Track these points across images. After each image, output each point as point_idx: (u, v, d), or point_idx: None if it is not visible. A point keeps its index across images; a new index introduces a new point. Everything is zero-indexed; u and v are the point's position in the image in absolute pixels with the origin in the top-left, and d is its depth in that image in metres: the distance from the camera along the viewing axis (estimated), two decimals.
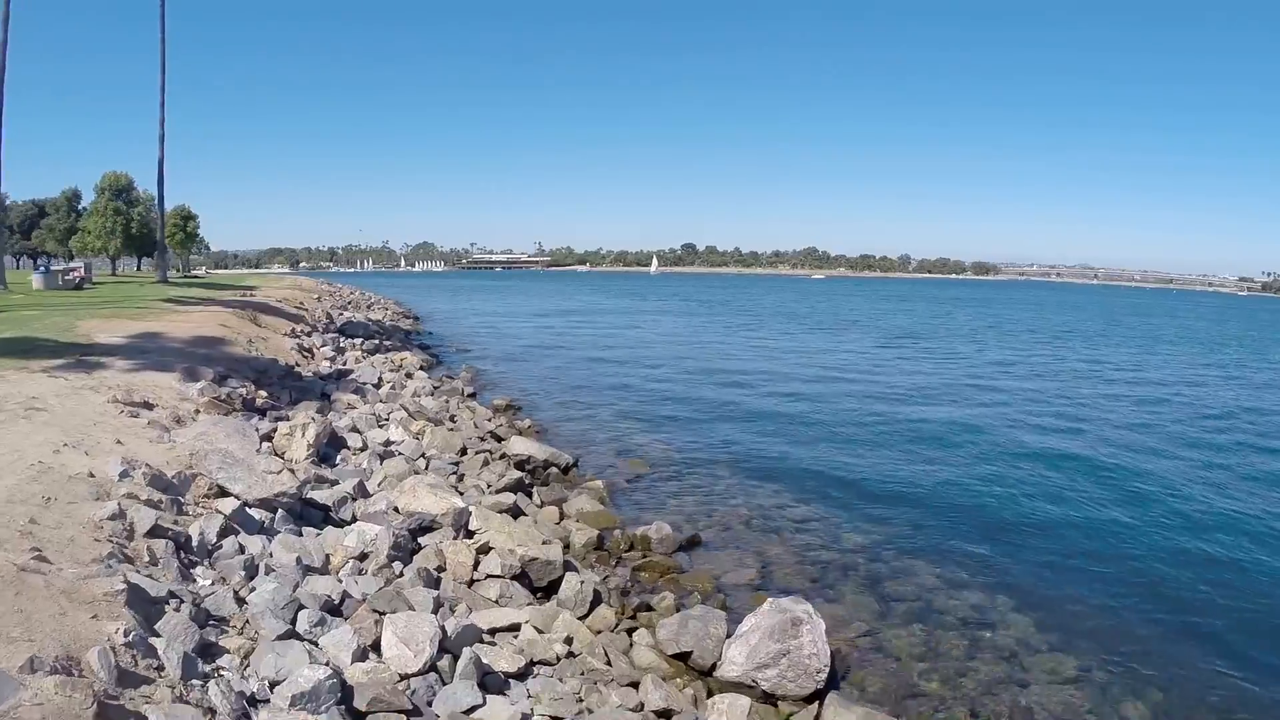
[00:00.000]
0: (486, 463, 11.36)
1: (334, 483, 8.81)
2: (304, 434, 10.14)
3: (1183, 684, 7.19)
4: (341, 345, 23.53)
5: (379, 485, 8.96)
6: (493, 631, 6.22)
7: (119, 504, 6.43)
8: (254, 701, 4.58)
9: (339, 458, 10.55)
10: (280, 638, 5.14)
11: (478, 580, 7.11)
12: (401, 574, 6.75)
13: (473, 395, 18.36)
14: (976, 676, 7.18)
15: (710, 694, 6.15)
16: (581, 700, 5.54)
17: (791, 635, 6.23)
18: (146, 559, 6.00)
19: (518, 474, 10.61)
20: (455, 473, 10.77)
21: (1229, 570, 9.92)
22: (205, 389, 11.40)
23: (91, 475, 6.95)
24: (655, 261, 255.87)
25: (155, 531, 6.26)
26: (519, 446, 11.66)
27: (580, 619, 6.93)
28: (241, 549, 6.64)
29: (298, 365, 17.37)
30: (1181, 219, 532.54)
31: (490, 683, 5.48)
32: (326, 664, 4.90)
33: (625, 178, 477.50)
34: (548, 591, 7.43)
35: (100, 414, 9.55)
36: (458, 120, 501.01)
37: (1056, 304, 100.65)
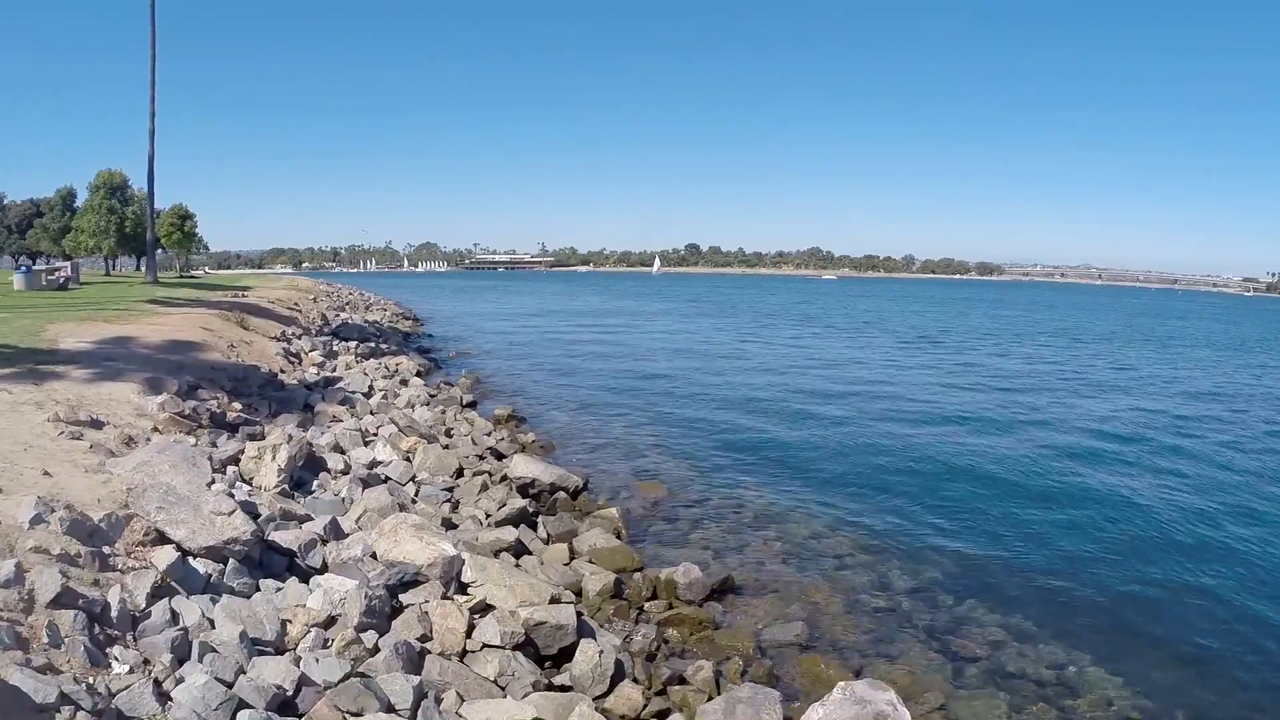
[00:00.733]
0: (485, 487, 10.00)
1: (304, 519, 7.46)
2: (275, 456, 8.78)
3: None
4: (334, 349, 22.21)
5: (357, 522, 7.59)
6: None
7: (19, 562, 5.09)
8: None
9: (315, 483, 9.18)
10: None
11: (472, 651, 5.74)
12: (376, 648, 5.38)
13: (472, 404, 16.99)
14: None
15: None
16: None
17: None
18: (46, 639, 4.65)
19: (520, 502, 9.23)
20: (449, 499, 9.40)
21: None
22: (167, 403, 10.05)
23: None
24: (658, 262, 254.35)
25: (62, 599, 4.91)
26: (522, 468, 10.29)
27: (599, 698, 5.58)
28: (175, 618, 5.28)
29: (282, 372, 16.02)
30: (1183, 219, 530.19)
31: None
32: None
33: (629, 178, 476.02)
34: (558, 660, 6.07)
35: (35, 436, 8.20)
36: (461, 120, 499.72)
37: (1068, 305, 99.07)
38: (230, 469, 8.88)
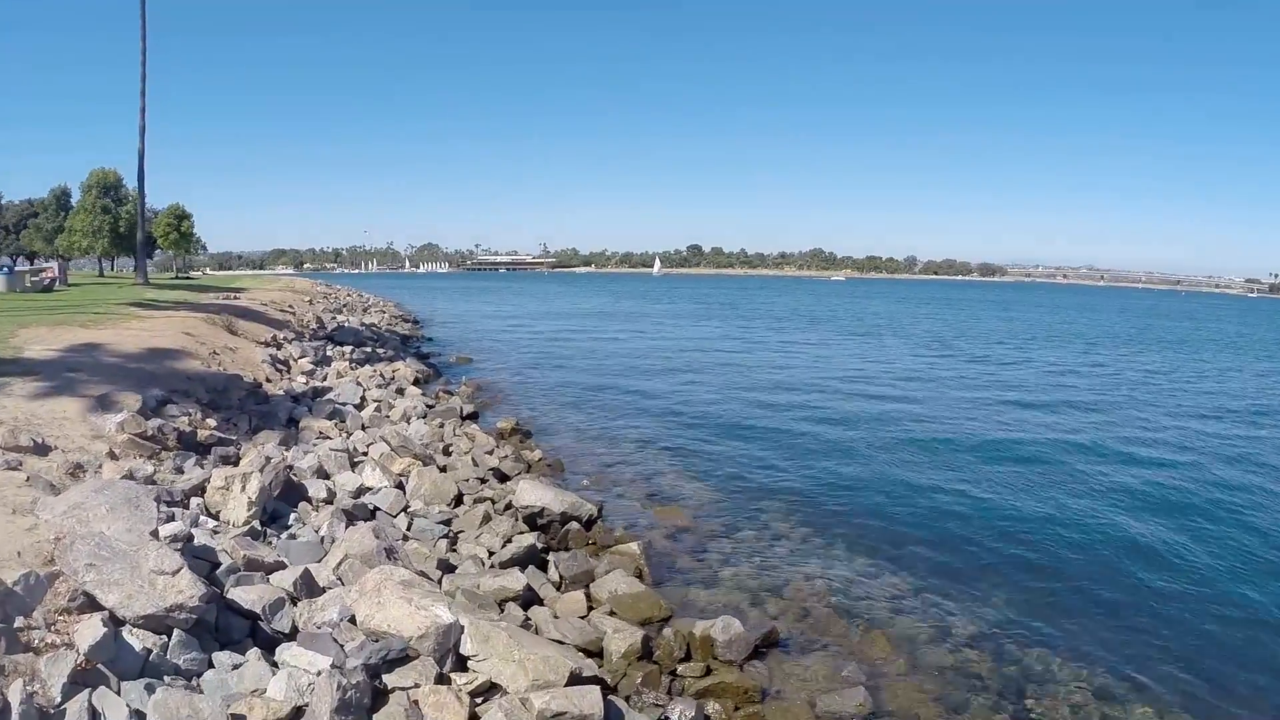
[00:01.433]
0: (488, 517, 8.81)
1: (273, 568, 6.27)
2: (245, 487, 7.60)
3: None
4: (328, 354, 21.05)
5: (336, 572, 6.40)
6: None
7: None
8: None
9: (293, 515, 7.99)
10: None
11: None
12: None
13: (473, 416, 15.81)
14: None
15: None
16: None
17: None
18: None
19: (529, 539, 8.05)
20: (446, 534, 8.21)
21: None
22: (127, 422, 8.87)
23: None
24: (658, 263, 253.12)
25: None
26: (529, 495, 9.10)
27: None
28: (95, 718, 4.12)
29: (268, 381, 14.84)
30: (1183, 221, 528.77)
31: None
32: None
33: (631, 179, 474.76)
34: None
35: None
36: (463, 121, 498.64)
37: (1077, 306, 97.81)
38: (194, 501, 7.71)
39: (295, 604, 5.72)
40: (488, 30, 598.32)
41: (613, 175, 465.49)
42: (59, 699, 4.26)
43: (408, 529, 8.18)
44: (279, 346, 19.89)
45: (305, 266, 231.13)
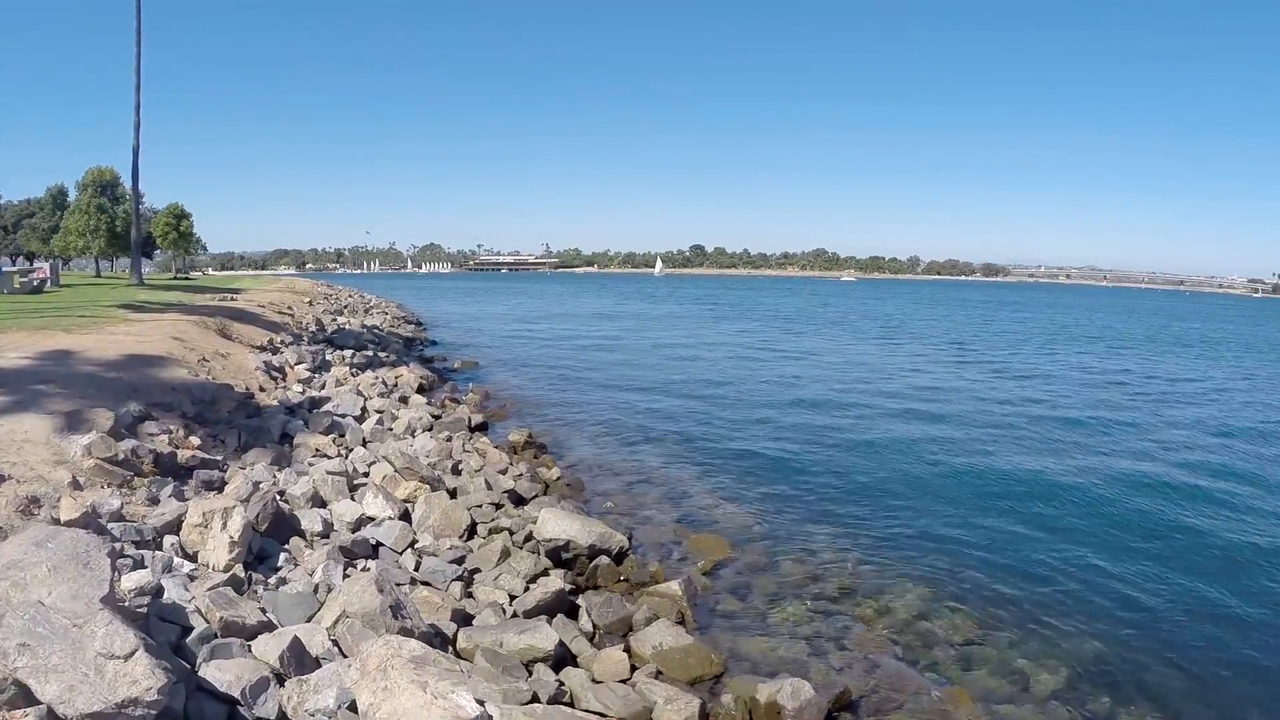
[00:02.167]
0: (506, 553, 7.74)
1: (256, 631, 5.20)
2: (226, 525, 6.53)
3: None
4: (327, 359, 19.97)
5: (331, 635, 5.32)
6: None
7: None
8: None
9: (283, 555, 6.92)
10: None
11: None
12: None
13: (482, 427, 14.74)
14: None
15: None
16: None
17: None
18: None
19: (556, 584, 6.97)
20: (459, 575, 7.14)
21: None
22: (95, 444, 7.80)
23: None
24: (660, 263, 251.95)
25: None
26: (553, 527, 8.03)
27: None
28: None
29: (261, 390, 13.78)
30: (1183, 221, 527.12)
31: None
32: None
33: (634, 179, 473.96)
34: None
35: None
36: (466, 121, 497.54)
37: (1085, 307, 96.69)
38: (169, 540, 6.65)
39: (282, 684, 4.66)
40: (491, 30, 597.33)
41: (615, 176, 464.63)
42: None
43: (415, 569, 7.11)
44: (275, 351, 18.82)
45: (307, 267, 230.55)
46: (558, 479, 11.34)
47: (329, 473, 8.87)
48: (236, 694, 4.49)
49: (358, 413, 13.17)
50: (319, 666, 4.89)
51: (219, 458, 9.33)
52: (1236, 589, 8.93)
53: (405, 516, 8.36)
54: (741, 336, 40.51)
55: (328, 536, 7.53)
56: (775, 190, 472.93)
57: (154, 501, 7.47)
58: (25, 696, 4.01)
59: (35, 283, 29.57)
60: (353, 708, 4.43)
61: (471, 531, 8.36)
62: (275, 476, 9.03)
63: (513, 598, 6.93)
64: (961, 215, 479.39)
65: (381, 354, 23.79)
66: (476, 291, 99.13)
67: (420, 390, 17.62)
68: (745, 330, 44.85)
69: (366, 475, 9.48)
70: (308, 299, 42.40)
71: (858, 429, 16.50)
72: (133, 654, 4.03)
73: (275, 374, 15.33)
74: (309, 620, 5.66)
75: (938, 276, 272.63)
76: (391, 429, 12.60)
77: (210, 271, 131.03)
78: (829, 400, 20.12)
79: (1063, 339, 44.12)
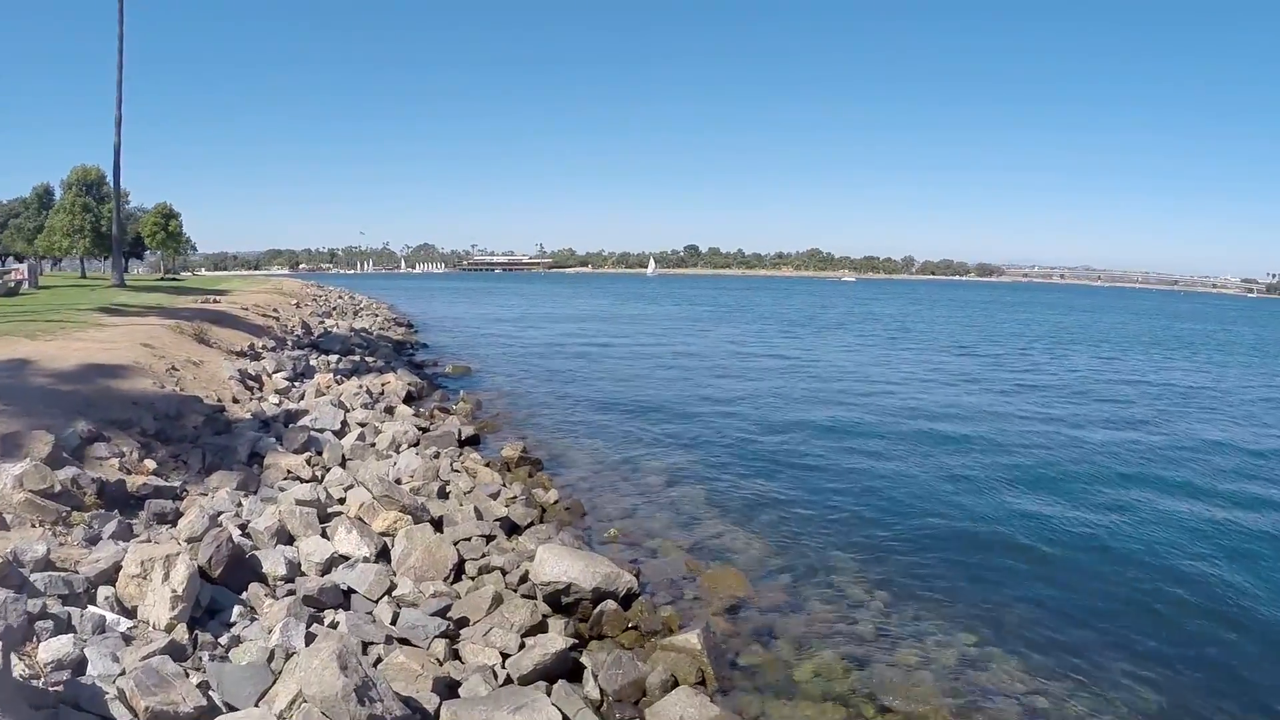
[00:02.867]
0: (498, 600, 6.75)
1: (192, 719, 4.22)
2: (168, 575, 5.54)
3: None
4: (311, 364, 18.96)
5: None
6: None
7: None
8: None
9: (237, 610, 5.92)
10: None
11: None
12: None
13: (473, 440, 13.76)
14: None
15: None
16: None
17: None
18: None
19: (557, 643, 5.97)
20: (443, 630, 6.14)
21: None
22: (28, 474, 6.78)
23: None
24: (652, 263, 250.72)
25: None
26: (552, 568, 7.05)
27: None
28: None
29: (234, 402, 12.75)
30: (1178, 220, 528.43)
31: None
32: None
33: (627, 179, 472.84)
34: None
35: None
36: (459, 121, 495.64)
37: (1086, 307, 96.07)
38: (104, 592, 5.66)
39: None
40: (484, 30, 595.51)
41: (610, 176, 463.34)
42: None
43: (392, 623, 6.11)
44: (256, 357, 17.80)
45: (301, 267, 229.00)
46: (555, 502, 10.35)
47: (299, 502, 7.87)
48: None
49: (337, 427, 12.17)
50: None
51: (177, 484, 8.33)
52: None
53: (384, 554, 7.37)
54: (740, 340, 39.34)
55: (293, 580, 6.54)
56: (769, 190, 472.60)
57: (93, 541, 6.46)
58: None
59: (11, 284, 28.46)
60: None
61: (459, 571, 7.37)
62: (240, 504, 8.04)
63: (505, 656, 5.94)
64: (955, 215, 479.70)
65: (369, 359, 22.78)
66: (470, 292, 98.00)
67: (408, 399, 16.63)
68: (745, 333, 43.73)
69: (342, 503, 8.49)
70: (295, 301, 41.32)
71: (873, 444, 15.45)
72: None
73: (251, 383, 14.30)
74: (259, 700, 4.68)
75: (933, 276, 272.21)
76: (374, 444, 11.60)
77: (201, 272, 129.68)
78: (840, 412, 18.96)
79: (1073, 342, 43.06)
